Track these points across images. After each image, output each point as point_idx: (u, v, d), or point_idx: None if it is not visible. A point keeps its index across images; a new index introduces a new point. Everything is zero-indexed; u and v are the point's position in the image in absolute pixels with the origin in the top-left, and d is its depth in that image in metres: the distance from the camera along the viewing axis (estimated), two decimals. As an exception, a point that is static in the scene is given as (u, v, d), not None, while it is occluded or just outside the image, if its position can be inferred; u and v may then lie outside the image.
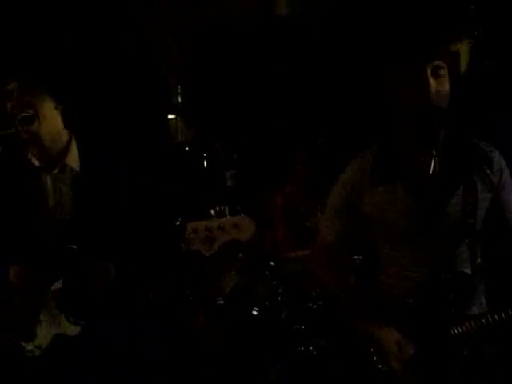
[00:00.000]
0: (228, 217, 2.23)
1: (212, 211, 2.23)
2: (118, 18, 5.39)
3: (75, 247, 2.47)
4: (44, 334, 2.50)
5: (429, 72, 2.09)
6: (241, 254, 4.08)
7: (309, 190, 4.34)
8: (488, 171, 2.17)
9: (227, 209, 2.22)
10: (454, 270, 2.17)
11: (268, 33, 5.65)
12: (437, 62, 2.10)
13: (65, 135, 2.59)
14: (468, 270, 2.20)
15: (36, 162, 2.58)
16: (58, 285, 2.48)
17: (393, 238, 2.23)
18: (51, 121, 2.53)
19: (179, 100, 6.31)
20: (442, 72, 2.11)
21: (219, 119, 5.90)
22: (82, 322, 2.48)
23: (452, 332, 2.11)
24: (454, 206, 2.15)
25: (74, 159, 2.58)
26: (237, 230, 2.22)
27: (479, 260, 2.21)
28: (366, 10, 4.97)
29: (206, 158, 5.81)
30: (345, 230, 2.32)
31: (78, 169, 2.57)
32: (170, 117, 6.35)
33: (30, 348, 2.50)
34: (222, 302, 4.13)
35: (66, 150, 2.57)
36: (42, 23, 4.76)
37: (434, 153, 2.14)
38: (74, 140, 2.60)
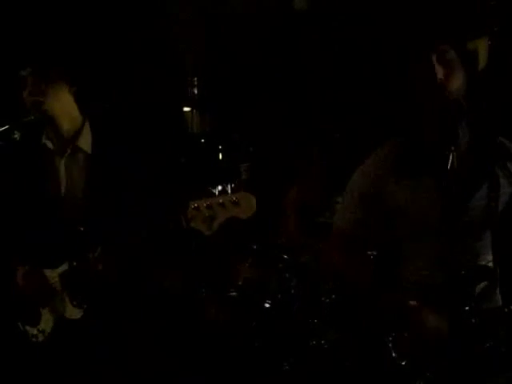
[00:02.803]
0: (229, 194, 2.19)
1: (214, 189, 2.21)
2: (135, 8, 5.39)
3: (83, 229, 2.47)
4: (47, 317, 2.50)
5: (434, 58, 2.07)
6: (255, 246, 4.08)
7: (323, 184, 4.33)
8: (510, 167, 2.20)
9: (229, 186, 2.20)
10: (475, 264, 2.17)
11: (286, 27, 5.63)
12: (442, 47, 2.08)
13: (79, 117, 2.61)
14: (489, 264, 2.20)
15: (50, 145, 2.60)
16: (64, 267, 2.49)
17: (416, 231, 2.23)
18: (65, 104, 2.56)
19: (195, 92, 6.31)
20: (449, 57, 2.09)
21: (235, 112, 5.89)
22: (85, 306, 2.48)
23: (472, 323, 2.10)
24: (477, 200, 2.16)
25: (86, 142, 2.59)
26: (236, 207, 2.16)
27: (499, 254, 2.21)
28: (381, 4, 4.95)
29: (221, 151, 5.80)
30: (361, 219, 2.31)
31: (89, 151, 2.58)
32: (185, 109, 6.35)
33: (34, 333, 2.51)
34: (234, 293, 4.13)
35: (79, 132, 2.59)
36: (59, 9, 4.78)
37: (453, 148, 2.14)
38: (87, 122, 2.61)
